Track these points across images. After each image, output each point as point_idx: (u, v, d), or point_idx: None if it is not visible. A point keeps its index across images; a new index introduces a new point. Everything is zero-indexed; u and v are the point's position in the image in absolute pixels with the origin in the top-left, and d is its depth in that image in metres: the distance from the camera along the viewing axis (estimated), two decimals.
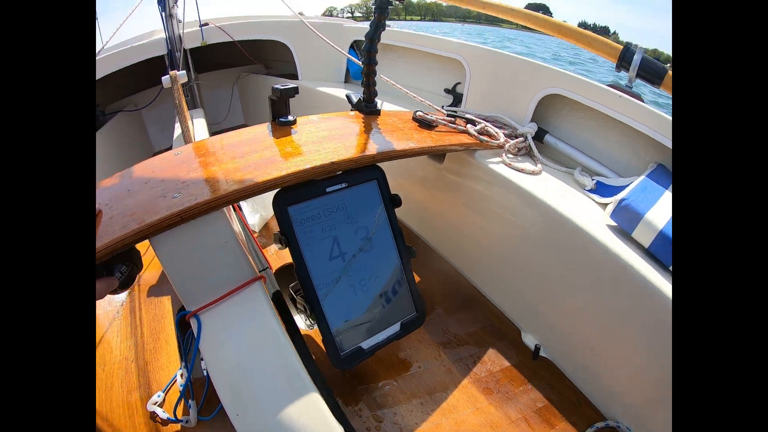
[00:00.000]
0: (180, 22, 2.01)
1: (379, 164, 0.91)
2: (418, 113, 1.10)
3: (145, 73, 2.08)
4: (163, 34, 2.01)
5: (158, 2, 1.94)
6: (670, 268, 0.86)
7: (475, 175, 1.16)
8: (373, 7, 1.00)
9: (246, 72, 2.77)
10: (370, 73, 1.08)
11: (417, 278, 1.34)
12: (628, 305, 0.87)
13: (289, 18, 2.31)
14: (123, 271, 0.69)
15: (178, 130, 1.46)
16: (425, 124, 1.08)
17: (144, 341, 1.07)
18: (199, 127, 1.52)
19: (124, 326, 1.12)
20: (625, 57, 1.20)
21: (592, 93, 1.21)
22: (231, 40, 2.15)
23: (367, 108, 1.10)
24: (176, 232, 0.66)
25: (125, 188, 0.72)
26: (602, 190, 1.12)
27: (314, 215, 0.81)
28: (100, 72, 1.75)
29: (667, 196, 0.98)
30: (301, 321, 1.13)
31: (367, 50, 1.06)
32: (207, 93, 2.68)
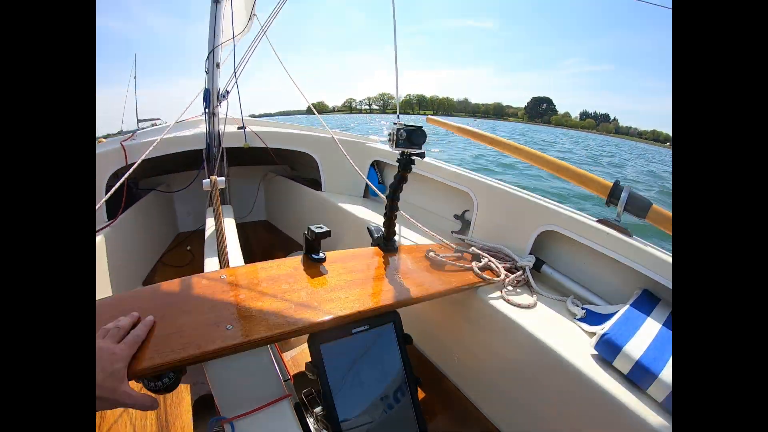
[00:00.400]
0: (222, 119, 2.19)
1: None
2: (430, 254, 1.29)
3: (181, 159, 2.29)
4: (202, 128, 2.22)
5: (204, 99, 2.16)
6: (647, 391, 0.96)
7: (476, 307, 1.30)
8: (398, 165, 1.19)
9: (273, 171, 3.03)
10: (391, 216, 1.27)
11: (422, 394, 1.44)
12: (607, 425, 0.96)
13: (319, 133, 2.59)
14: (170, 377, 0.77)
15: (210, 226, 1.64)
16: (436, 264, 1.27)
17: (160, 424, 1.19)
18: (229, 226, 1.68)
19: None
20: (614, 194, 1.39)
21: (583, 230, 1.38)
22: (265, 146, 2.43)
23: (386, 245, 1.30)
24: (224, 359, 0.80)
25: (178, 305, 0.85)
26: (591, 317, 1.25)
27: (341, 351, 0.96)
28: (144, 154, 1.83)
29: (647, 323, 1.10)
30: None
31: (390, 198, 1.25)
32: (234, 186, 2.88)
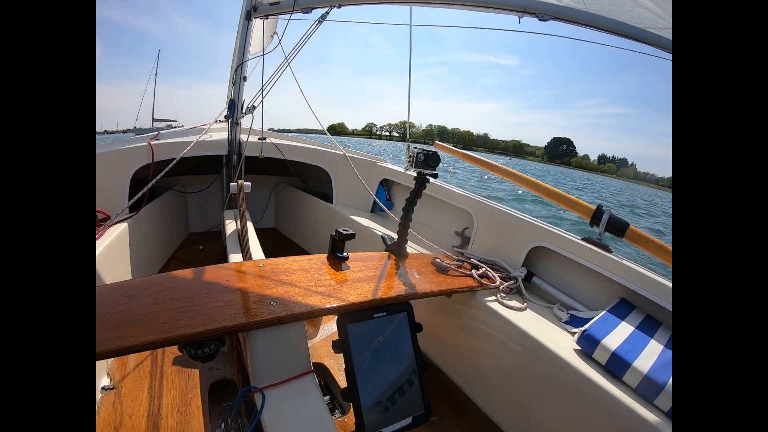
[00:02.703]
0: (245, 129, 2.36)
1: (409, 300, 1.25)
2: (436, 260, 1.49)
3: (195, 162, 2.42)
4: (218, 134, 2.36)
5: (228, 109, 2.31)
6: (623, 378, 1.12)
7: (475, 309, 1.47)
8: (415, 182, 1.38)
9: (285, 182, 3.18)
10: (406, 225, 1.46)
11: None
12: (589, 410, 1.12)
13: (333, 150, 2.77)
14: (212, 347, 0.88)
15: (230, 226, 1.78)
16: (441, 269, 1.46)
17: (176, 404, 1.31)
18: (250, 227, 1.79)
19: (156, 386, 1.36)
20: (596, 216, 1.60)
21: (569, 246, 1.60)
22: (283, 158, 2.60)
23: (399, 252, 1.49)
24: (268, 329, 0.94)
25: (224, 284, 0.99)
26: (574, 321, 1.44)
27: (363, 332, 1.12)
28: (169, 155, 2.00)
29: (623, 324, 1.30)
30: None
31: (406, 210, 1.44)
32: (247, 193, 3.09)
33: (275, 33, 2.69)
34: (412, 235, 1.96)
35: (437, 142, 2.46)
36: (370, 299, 1.12)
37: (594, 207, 1.63)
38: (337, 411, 1.44)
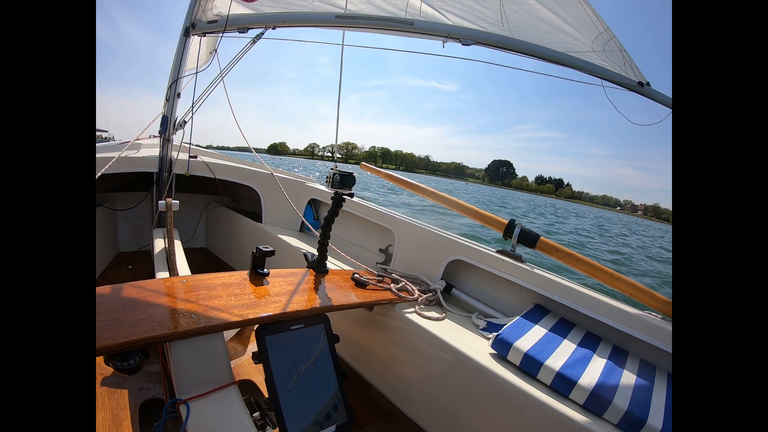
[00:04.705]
0: (176, 146, 2.31)
1: (326, 313, 1.28)
2: (355, 275, 1.53)
3: (123, 179, 2.32)
4: (150, 151, 2.27)
5: (161, 125, 2.25)
6: (537, 377, 1.20)
7: (395, 320, 1.51)
8: (332, 202, 1.45)
9: (215, 201, 3.11)
10: (324, 243, 1.51)
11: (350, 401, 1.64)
12: (508, 408, 1.17)
13: (263, 170, 2.76)
14: (136, 359, 0.90)
15: (159, 245, 1.72)
16: (360, 284, 1.50)
17: (107, 425, 1.26)
18: (178, 246, 1.77)
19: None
20: (509, 229, 1.73)
21: (483, 258, 1.69)
22: (213, 177, 2.54)
23: (319, 268, 1.53)
24: (189, 340, 0.96)
25: (146, 299, 1.02)
26: (491, 328, 1.52)
27: (281, 344, 1.14)
28: (103, 169, 1.91)
29: (536, 328, 1.38)
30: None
31: (324, 228, 1.49)
32: (177, 212, 3.03)
33: (215, 50, 2.68)
34: (337, 253, 2.00)
35: (363, 163, 2.55)
36: (288, 311, 1.15)
37: (506, 221, 1.75)
38: (268, 427, 1.43)
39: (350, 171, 1.42)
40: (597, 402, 1.11)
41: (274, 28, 2.01)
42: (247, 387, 1.61)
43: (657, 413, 1.09)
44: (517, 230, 1.70)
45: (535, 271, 1.58)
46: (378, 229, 2.19)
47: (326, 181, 1.45)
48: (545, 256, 1.66)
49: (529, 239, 1.69)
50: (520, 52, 1.74)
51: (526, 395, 1.14)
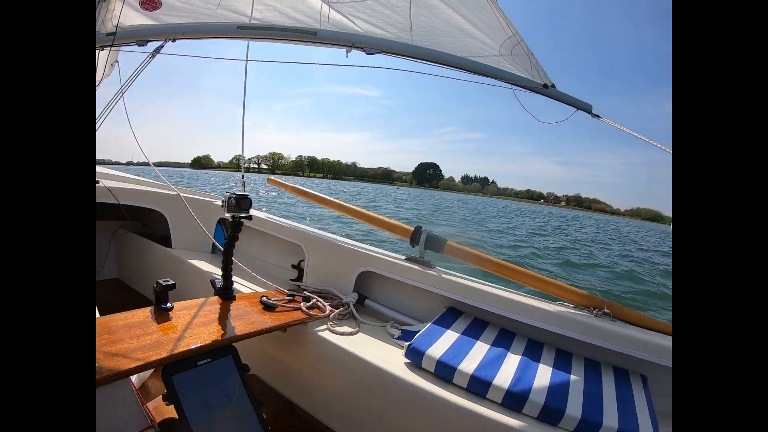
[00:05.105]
0: None
1: (235, 343, 1.24)
2: (263, 298, 1.49)
3: None
4: None
5: None
6: (453, 381, 1.21)
7: (308, 340, 1.50)
8: (230, 225, 1.41)
9: (124, 228, 2.89)
10: (228, 269, 1.46)
11: (276, 423, 1.56)
12: (428, 416, 1.18)
13: (169, 191, 2.60)
14: None
15: None
16: (268, 307, 1.47)
17: None
18: None
19: None
20: (415, 236, 1.75)
21: (393, 268, 1.71)
22: (117, 203, 2.37)
23: (225, 294, 1.47)
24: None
25: None
26: (406, 335, 1.53)
27: (189, 381, 1.10)
28: None
29: (447, 333, 1.40)
30: None
31: (225, 254, 1.45)
32: None
33: (116, 62, 2.50)
34: (248, 273, 1.93)
35: (270, 177, 2.53)
36: (192, 348, 1.12)
37: (412, 228, 1.79)
38: None
39: (246, 193, 1.40)
40: (514, 399, 1.13)
41: (174, 40, 1.88)
42: (170, 426, 1.48)
43: (575, 402, 1.12)
44: (423, 236, 1.74)
45: (444, 276, 1.62)
46: (289, 246, 2.15)
47: (222, 205, 1.42)
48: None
49: (436, 244, 1.73)
50: (423, 60, 1.74)
51: (443, 401, 1.15)
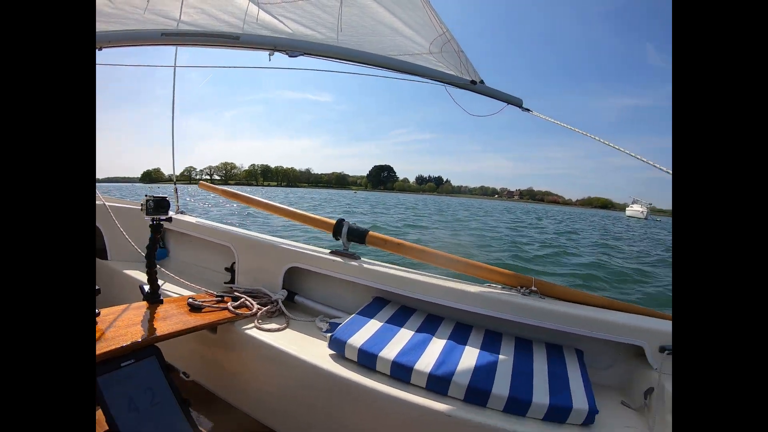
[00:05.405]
0: None
1: (159, 343, 1.26)
2: (190, 300, 1.53)
3: None
4: None
5: None
6: (377, 369, 1.22)
7: (237, 339, 1.52)
8: (150, 229, 1.44)
9: None
10: (152, 273, 1.49)
11: (211, 423, 1.61)
12: (355, 404, 1.21)
13: (99, 202, 2.51)
14: None
15: None
16: (195, 308, 1.50)
17: None
18: None
19: None
20: (337, 229, 1.80)
21: (318, 262, 1.74)
22: None
23: (152, 299, 1.49)
24: None
25: None
26: (333, 328, 1.52)
27: (113, 383, 1.11)
28: None
29: (371, 322, 1.42)
30: None
31: (148, 258, 1.46)
32: None
33: None
34: (179, 280, 1.95)
35: (201, 181, 2.54)
36: (114, 348, 1.13)
37: (334, 221, 1.84)
38: None
39: (164, 195, 1.43)
40: (437, 382, 1.14)
41: (100, 48, 1.79)
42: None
43: (503, 381, 1.13)
44: (345, 229, 1.78)
45: (368, 266, 1.65)
46: (221, 249, 2.15)
47: (141, 209, 1.44)
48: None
49: (358, 236, 1.77)
50: (348, 60, 1.71)
51: (367, 390, 1.17)
